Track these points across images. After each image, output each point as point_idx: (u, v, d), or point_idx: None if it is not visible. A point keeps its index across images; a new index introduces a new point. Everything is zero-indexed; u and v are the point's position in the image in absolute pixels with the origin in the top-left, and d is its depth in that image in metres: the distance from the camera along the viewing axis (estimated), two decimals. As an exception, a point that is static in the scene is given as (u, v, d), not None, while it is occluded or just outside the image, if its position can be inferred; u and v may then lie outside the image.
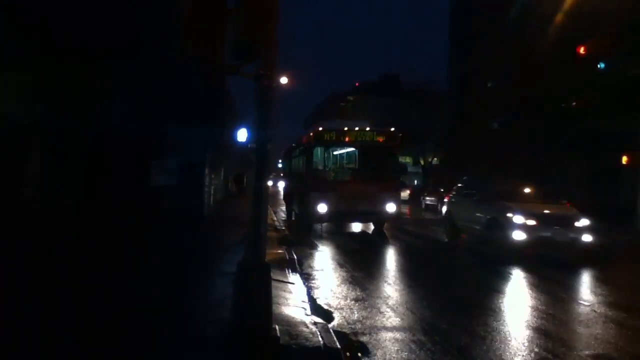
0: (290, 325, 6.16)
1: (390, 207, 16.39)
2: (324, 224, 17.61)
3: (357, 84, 68.83)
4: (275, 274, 5.99)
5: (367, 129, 16.94)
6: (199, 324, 6.04)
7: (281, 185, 55.24)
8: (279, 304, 6.84)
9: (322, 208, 15.81)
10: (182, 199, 15.99)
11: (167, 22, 9.78)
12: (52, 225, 15.16)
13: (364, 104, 58.74)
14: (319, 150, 17.26)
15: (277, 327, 5.74)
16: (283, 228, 18.43)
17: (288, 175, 25.61)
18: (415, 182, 48.85)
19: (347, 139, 16.72)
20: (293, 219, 21.04)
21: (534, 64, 35.74)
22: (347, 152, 18.85)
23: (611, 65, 21.18)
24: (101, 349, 5.22)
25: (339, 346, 5.62)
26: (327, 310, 7.57)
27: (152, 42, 12.08)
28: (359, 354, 5.77)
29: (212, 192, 19.35)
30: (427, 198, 33.82)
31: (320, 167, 17.46)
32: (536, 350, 6.04)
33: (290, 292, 8.03)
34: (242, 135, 24.16)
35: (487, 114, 37.95)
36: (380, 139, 16.59)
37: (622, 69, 21.59)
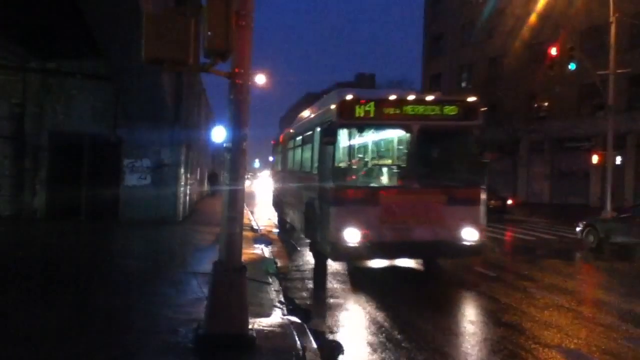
0: (266, 325, 6.11)
1: (470, 234, 9.55)
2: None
3: (335, 83, 68.99)
4: (251, 274, 5.95)
5: (430, 97, 9.92)
6: (172, 325, 5.95)
7: (261, 184, 54.04)
8: (255, 305, 6.79)
9: (352, 236, 9.01)
10: (157, 199, 15.81)
11: (135, 21, 9.62)
12: (19, 227, 14.86)
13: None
14: (345, 134, 10.01)
15: (253, 327, 5.69)
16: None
17: (282, 174, 17.26)
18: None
19: (396, 115, 9.59)
20: (292, 235, 15.54)
21: (501, 64, 36.41)
22: (394, 138, 11.33)
23: (578, 67, 21.47)
24: (67, 353, 5.11)
25: (315, 346, 5.60)
26: (304, 310, 7.54)
27: (121, 42, 11.89)
28: (335, 353, 5.76)
29: (187, 191, 19.15)
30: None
31: (347, 164, 10.19)
32: None
33: (267, 292, 7.98)
34: (217, 134, 23.99)
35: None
36: (453, 114, 9.70)
37: (588, 70, 22.01)
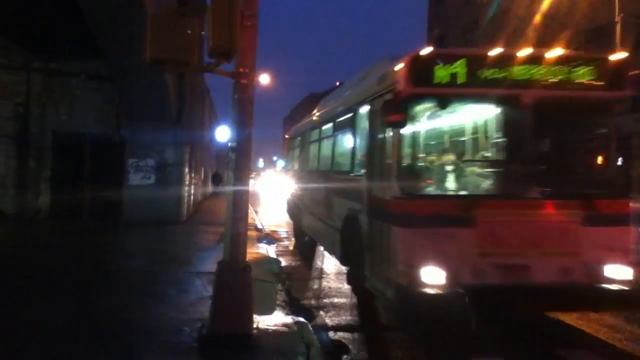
0: (270, 325, 6.12)
1: (619, 272, 5.92)
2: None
3: (337, 83, 68.94)
4: (255, 274, 5.94)
5: (555, 53, 6.28)
6: (176, 325, 5.96)
7: (265, 184, 53.49)
8: (259, 304, 6.79)
9: (432, 276, 5.63)
10: (161, 199, 15.84)
11: (138, 22, 9.66)
12: (23, 227, 14.91)
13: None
14: (415, 112, 6.52)
15: (258, 327, 5.70)
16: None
17: (301, 175, 13.38)
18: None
19: (499, 80, 6.12)
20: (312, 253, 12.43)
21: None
22: (492, 118, 7.41)
23: None
24: (71, 353, 5.13)
25: (319, 345, 5.60)
26: (307, 309, 7.54)
27: (124, 43, 11.93)
28: (340, 353, 5.76)
29: (191, 191, 19.18)
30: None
31: (416, 159, 6.73)
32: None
33: (271, 292, 7.98)
34: (221, 134, 24.04)
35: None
36: (590, 81, 6.23)
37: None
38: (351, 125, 8.13)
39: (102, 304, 6.93)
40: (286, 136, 19.19)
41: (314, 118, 11.96)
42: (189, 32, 4.83)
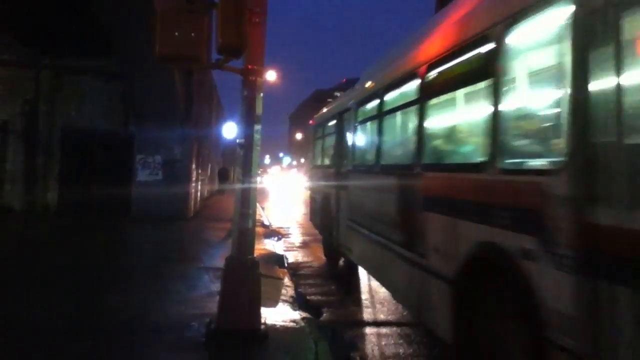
0: (278, 320, 6.15)
1: None
2: None
3: (344, 80, 68.86)
4: (261, 269, 5.98)
5: None
6: (184, 320, 6.00)
7: (271, 180, 53.16)
8: (266, 299, 6.82)
9: None
10: (168, 195, 15.91)
11: (147, 19, 9.68)
12: (31, 222, 15.02)
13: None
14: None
15: (265, 322, 5.73)
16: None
17: (343, 168, 9.41)
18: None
19: None
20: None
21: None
22: None
23: None
24: (80, 349, 5.18)
25: (327, 341, 5.62)
26: (315, 305, 7.57)
27: (132, 40, 11.97)
28: (348, 349, 5.78)
29: (198, 187, 19.25)
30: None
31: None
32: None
33: (278, 288, 8.01)
34: (228, 130, 24.10)
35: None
36: None
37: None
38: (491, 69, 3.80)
39: (110, 300, 6.98)
40: (310, 122, 15.00)
41: (368, 85, 7.82)
42: (198, 28, 4.84)
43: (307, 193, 13.69)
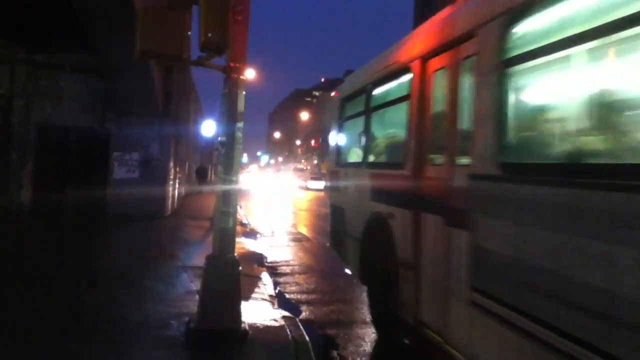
0: (258, 319, 6.14)
1: None
2: None
3: (322, 80, 69.01)
4: (241, 268, 5.96)
5: None
6: (163, 319, 5.96)
7: (249, 179, 52.88)
8: (246, 298, 6.81)
9: None
10: (145, 193, 15.76)
11: (127, 15, 9.58)
12: (4, 222, 14.72)
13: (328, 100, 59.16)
14: None
15: (245, 321, 5.72)
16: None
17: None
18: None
19: None
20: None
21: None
22: None
23: None
24: (58, 349, 5.11)
25: (307, 340, 5.64)
26: (294, 303, 7.58)
27: (112, 36, 11.84)
28: (328, 348, 5.80)
29: (176, 185, 19.09)
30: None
31: None
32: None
33: (258, 287, 8.01)
34: (207, 128, 23.95)
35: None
36: None
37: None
38: None
39: (88, 299, 6.89)
40: (333, 95, 10.41)
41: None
42: (180, 25, 4.82)
43: (323, 200, 11.06)
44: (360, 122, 7.05)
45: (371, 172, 6.59)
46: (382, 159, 6.70)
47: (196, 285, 6.97)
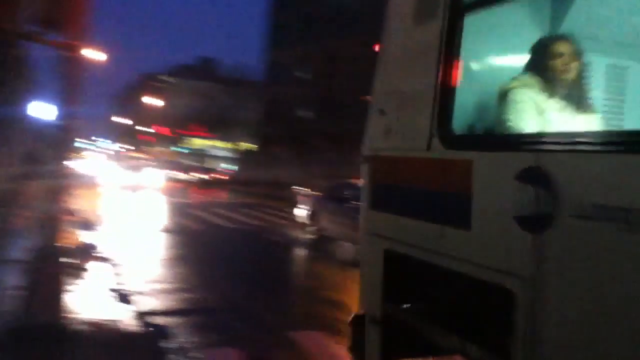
0: (89, 312, 5.85)
1: None
2: None
3: (171, 66, 66.60)
4: (72, 259, 5.60)
5: None
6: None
7: (86, 164, 48.88)
8: (76, 292, 6.43)
9: None
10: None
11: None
12: None
13: (178, 86, 57.43)
14: None
15: (74, 315, 5.42)
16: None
17: None
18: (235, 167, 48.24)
19: None
20: None
21: (333, 58, 38.13)
22: None
23: None
24: None
25: (140, 331, 5.50)
26: (127, 294, 7.31)
27: None
28: (160, 337, 5.70)
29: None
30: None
31: None
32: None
33: (89, 279, 7.59)
34: (38, 109, 21.95)
35: (295, 102, 40.74)
36: None
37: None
38: None
39: None
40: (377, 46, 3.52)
41: None
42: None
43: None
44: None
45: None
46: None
47: (14, 280, 6.38)
